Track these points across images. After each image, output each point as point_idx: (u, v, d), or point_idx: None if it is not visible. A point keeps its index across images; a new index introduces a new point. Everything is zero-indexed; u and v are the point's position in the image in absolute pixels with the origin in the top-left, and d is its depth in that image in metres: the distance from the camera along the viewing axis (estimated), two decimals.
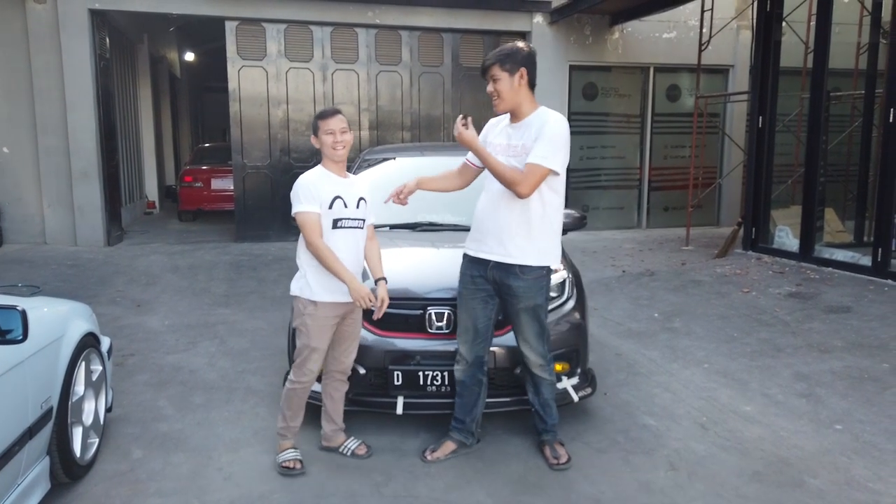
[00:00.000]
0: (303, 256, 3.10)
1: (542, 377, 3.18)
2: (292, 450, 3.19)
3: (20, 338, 2.29)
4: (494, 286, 3.12)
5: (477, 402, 3.28)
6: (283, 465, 3.13)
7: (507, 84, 2.96)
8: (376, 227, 4.33)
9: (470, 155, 3.21)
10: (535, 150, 2.90)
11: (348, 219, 3.07)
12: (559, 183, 3.01)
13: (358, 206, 3.13)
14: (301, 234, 3.08)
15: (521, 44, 3.07)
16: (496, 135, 3.13)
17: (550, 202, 3.02)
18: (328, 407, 3.31)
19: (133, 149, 12.05)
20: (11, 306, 2.31)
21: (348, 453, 3.28)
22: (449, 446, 3.28)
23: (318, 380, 3.29)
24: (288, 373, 3.64)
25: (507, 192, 2.97)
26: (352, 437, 3.34)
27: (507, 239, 3.01)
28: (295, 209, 3.02)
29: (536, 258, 3.04)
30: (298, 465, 3.13)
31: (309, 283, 3.05)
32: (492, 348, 3.34)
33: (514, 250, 3.01)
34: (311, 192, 3.01)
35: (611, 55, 10.52)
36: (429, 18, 9.72)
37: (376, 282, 3.20)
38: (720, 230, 10.35)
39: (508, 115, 3.09)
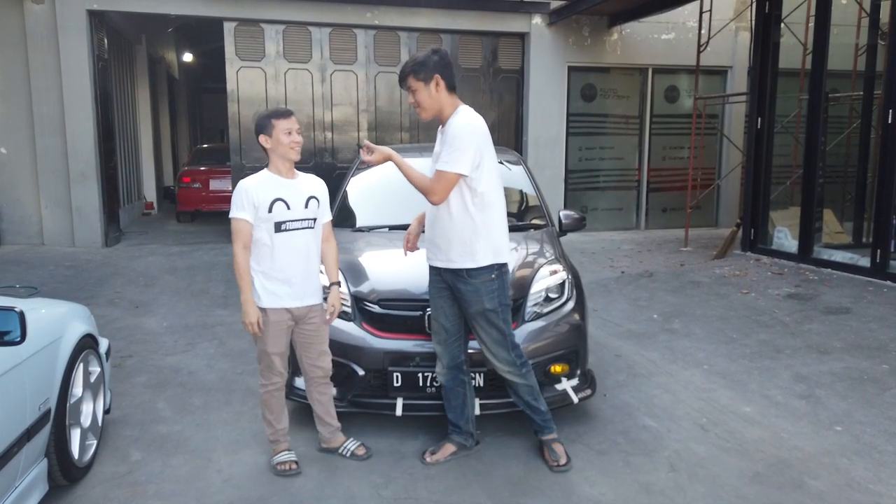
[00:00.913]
0: (252, 262, 3.04)
1: (515, 381, 3.13)
2: (286, 451, 3.18)
3: (18, 339, 2.28)
4: (451, 290, 3.12)
5: (465, 404, 3.26)
6: (279, 466, 3.13)
7: (425, 93, 2.96)
8: (375, 228, 4.35)
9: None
10: (442, 156, 2.93)
11: (293, 220, 3.02)
12: (478, 182, 2.95)
13: (307, 206, 3.07)
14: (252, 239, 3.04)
15: (434, 50, 3.03)
16: (437, 143, 3.13)
17: (474, 203, 2.97)
18: (318, 411, 3.30)
19: (131, 150, 12.03)
20: (9, 308, 2.30)
21: (347, 454, 3.27)
22: (448, 448, 3.27)
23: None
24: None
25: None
26: (350, 438, 3.33)
27: (445, 245, 3.03)
28: (230, 214, 3.00)
29: (474, 260, 2.99)
30: (294, 466, 3.12)
31: (256, 290, 3.02)
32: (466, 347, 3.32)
33: (453, 256, 3.02)
34: (246, 199, 2.96)
35: (609, 56, 10.52)
36: (427, 20, 9.71)
37: (329, 286, 3.17)
38: (718, 231, 10.36)
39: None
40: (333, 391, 3.33)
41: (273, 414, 3.16)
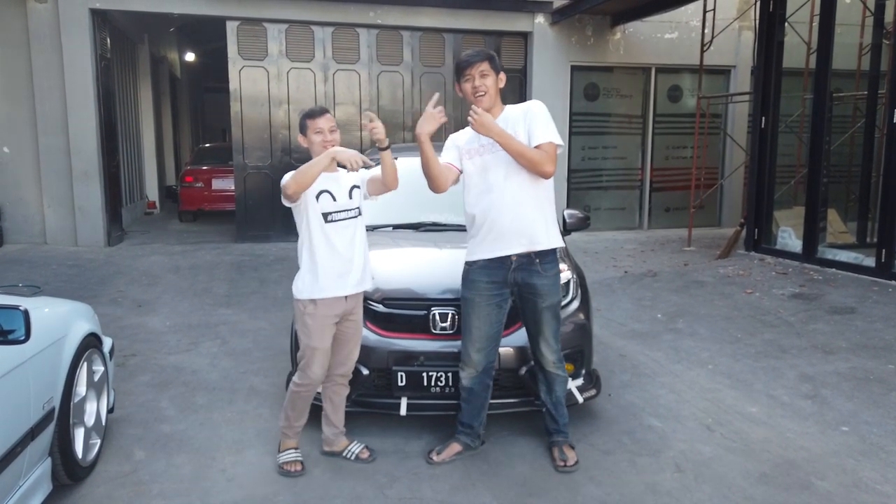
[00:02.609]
0: (303, 254, 3.06)
1: (557, 374, 3.18)
2: (293, 450, 3.17)
3: (23, 338, 2.27)
4: (514, 288, 3.10)
5: (484, 406, 3.26)
6: (283, 465, 3.11)
7: (494, 81, 3.05)
8: (380, 227, 4.34)
9: (450, 159, 3.15)
10: (538, 130, 2.97)
11: (339, 211, 3.04)
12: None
13: (351, 196, 3.10)
14: (300, 235, 3.07)
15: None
16: (468, 142, 3.14)
17: (551, 184, 3.12)
18: (328, 411, 3.28)
19: (133, 149, 12.03)
20: (14, 306, 2.29)
21: (352, 457, 3.24)
22: (454, 448, 3.26)
23: None
24: (291, 374, 3.63)
25: (518, 183, 3.00)
26: (355, 441, 3.31)
27: (532, 227, 3.03)
28: (284, 181, 2.98)
29: (557, 240, 3.11)
30: (298, 468, 3.10)
31: (306, 282, 3.03)
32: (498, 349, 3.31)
33: (540, 237, 3.04)
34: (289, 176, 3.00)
35: (612, 56, 10.50)
36: (430, 19, 9.70)
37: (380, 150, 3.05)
38: (722, 231, 10.33)
39: (468, 130, 3.10)
40: (346, 393, 3.30)
41: (295, 412, 3.15)
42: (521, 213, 3.03)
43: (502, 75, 3.10)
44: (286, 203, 3.05)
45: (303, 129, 3.09)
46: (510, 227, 3.03)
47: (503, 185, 3.03)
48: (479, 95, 3.02)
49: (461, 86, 3.08)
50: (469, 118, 2.95)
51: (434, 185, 3.11)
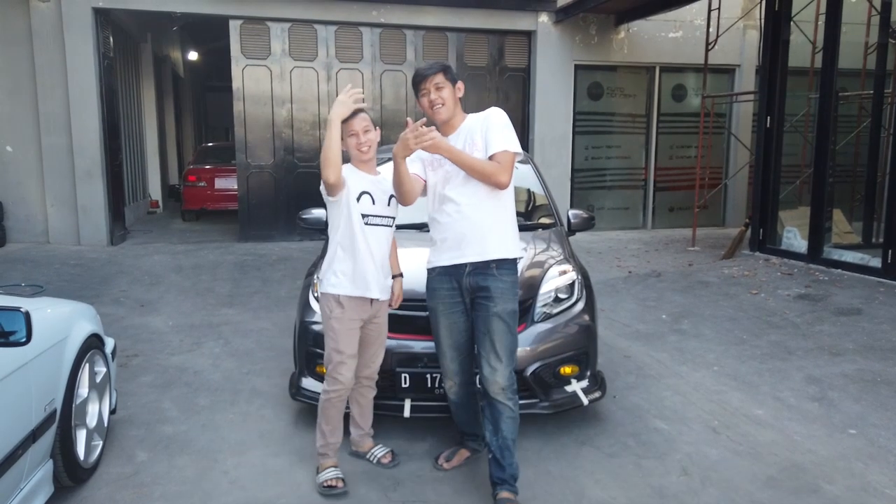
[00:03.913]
0: (337, 252, 2.97)
1: (505, 405, 2.83)
2: (333, 468, 3.01)
3: (24, 339, 2.25)
4: (470, 294, 2.93)
5: (476, 412, 3.16)
6: (325, 484, 2.95)
7: (451, 93, 2.95)
8: None
9: (414, 169, 2.98)
10: (494, 139, 2.88)
11: (376, 216, 2.99)
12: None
13: (389, 204, 3.05)
14: (334, 232, 3.00)
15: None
16: (426, 152, 2.92)
17: (509, 195, 2.98)
18: (355, 414, 3.22)
19: (136, 148, 12.02)
20: (15, 308, 2.27)
21: (374, 460, 3.21)
22: (463, 454, 3.22)
23: (321, 379, 3.23)
24: (294, 374, 3.61)
25: (476, 192, 2.88)
26: (379, 445, 3.27)
27: (487, 236, 2.90)
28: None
29: (514, 250, 2.95)
30: (341, 484, 2.96)
31: (339, 279, 2.96)
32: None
33: (493, 246, 2.89)
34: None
35: (616, 55, 10.46)
36: (434, 18, 9.67)
37: (394, 277, 3.17)
38: (726, 231, 10.30)
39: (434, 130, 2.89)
40: (373, 395, 3.26)
41: (330, 425, 3.02)
42: (476, 223, 2.90)
43: (460, 84, 3.00)
44: (327, 197, 2.96)
45: (341, 132, 2.93)
46: (466, 236, 2.91)
47: (460, 196, 2.91)
48: (436, 108, 2.93)
49: (419, 101, 2.98)
50: (406, 134, 2.77)
51: (404, 199, 2.99)
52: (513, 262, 2.95)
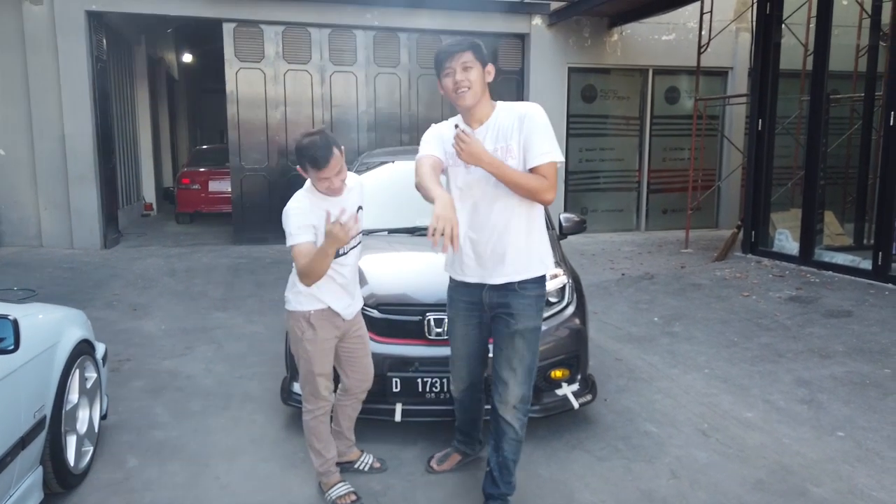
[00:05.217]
0: (302, 286, 2.80)
1: (511, 425, 2.70)
2: (342, 483, 2.94)
3: (11, 347, 2.25)
4: (491, 310, 2.74)
5: (478, 417, 3.18)
6: (339, 501, 2.88)
7: (479, 74, 2.58)
8: (374, 231, 4.33)
9: (436, 150, 2.69)
10: (537, 147, 2.54)
11: (348, 246, 2.80)
12: None
13: (357, 221, 2.76)
14: None
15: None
16: (449, 144, 2.61)
17: (536, 205, 2.69)
18: (343, 427, 3.15)
19: (130, 151, 12.00)
20: (3, 315, 2.27)
21: (366, 468, 3.19)
22: (455, 458, 3.22)
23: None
24: (286, 379, 3.61)
25: (506, 205, 2.61)
26: (365, 453, 3.25)
27: (516, 257, 2.64)
28: (289, 242, 2.67)
29: (539, 268, 2.70)
30: (353, 498, 2.88)
31: (301, 298, 2.81)
32: (490, 355, 3.27)
33: (522, 267, 2.66)
34: (304, 221, 2.67)
35: (609, 57, 10.49)
36: (427, 21, 9.68)
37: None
38: (719, 233, 10.33)
39: (453, 124, 2.71)
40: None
41: (321, 442, 2.94)
42: (506, 241, 2.64)
43: (490, 67, 2.62)
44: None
45: (304, 168, 2.69)
46: (492, 254, 2.66)
47: (489, 207, 2.63)
48: (461, 91, 2.55)
49: (441, 82, 2.62)
50: (453, 145, 2.49)
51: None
52: (541, 278, 2.72)
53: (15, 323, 2.24)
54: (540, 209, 2.73)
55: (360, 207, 2.91)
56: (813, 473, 3.16)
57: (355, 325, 3.00)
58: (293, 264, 2.79)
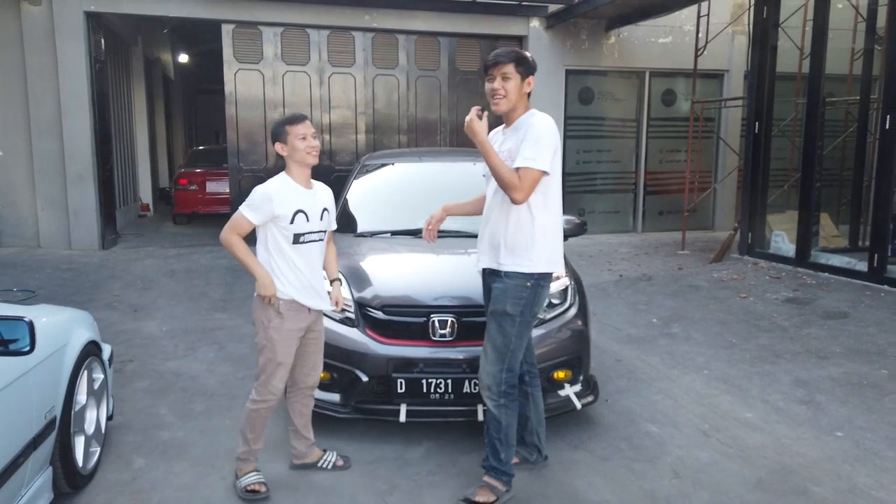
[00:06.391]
0: (263, 255, 2.95)
1: (487, 405, 2.93)
2: (254, 472, 3.05)
3: (28, 349, 2.28)
4: (486, 294, 3.02)
5: (527, 416, 3.15)
6: (248, 489, 2.98)
7: (517, 85, 2.85)
8: (378, 233, 4.36)
9: (485, 169, 3.01)
10: (522, 151, 2.78)
11: (310, 233, 2.97)
12: (547, 185, 2.85)
13: (322, 218, 3.03)
14: (260, 249, 2.97)
15: (529, 55, 2.97)
16: (492, 141, 2.96)
17: (541, 205, 2.86)
18: (299, 426, 3.19)
19: (127, 151, 11.98)
20: (19, 317, 2.29)
21: (329, 466, 3.21)
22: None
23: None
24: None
25: (499, 197, 2.88)
26: (327, 451, 3.27)
27: (499, 246, 2.90)
28: (240, 208, 2.91)
29: (527, 265, 2.86)
30: (263, 489, 2.99)
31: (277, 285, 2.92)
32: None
33: (503, 258, 2.89)
34: (265, 206, 2.88)
35: (607, 60, 10.54)
36: (426, 22, 9.71)
37: (332, 282, 3.18)
38: (715, 234, 10.40)
39: (481, 108, 2.95)
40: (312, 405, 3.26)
41: (255, 433, 3.03)
42: (496, 231, 2.91)
43: (531, 79, 2.88)
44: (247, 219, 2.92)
45: (281, 136, 2.95)
46: (487, 240, 2.97)
47: (492, 196, 2.96)
48: (496, 98, 2.86)
49: (485, 84, 2.92)
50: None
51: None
52: (526, 274, 2.86)
53: (31, 325, 2.27)
54: (543, 211, 2.87)
55: (325, 209, 3.07)
56: (813, 473, 3.21)
57: (317, 320, 3.10)
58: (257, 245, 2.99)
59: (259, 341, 2.99)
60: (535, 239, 2.87)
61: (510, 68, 2.83)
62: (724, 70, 11.00)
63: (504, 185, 2.79)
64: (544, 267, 2.90)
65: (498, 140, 2.98)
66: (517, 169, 2.78)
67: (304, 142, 2.93)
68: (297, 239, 2.94)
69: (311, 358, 3.12)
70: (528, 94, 2.94)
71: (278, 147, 2.98)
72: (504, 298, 2.88)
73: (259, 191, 2.93)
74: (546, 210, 2.88)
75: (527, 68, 2.87)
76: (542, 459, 3.23)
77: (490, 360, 2.90)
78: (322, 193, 3.11)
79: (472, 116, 2.82)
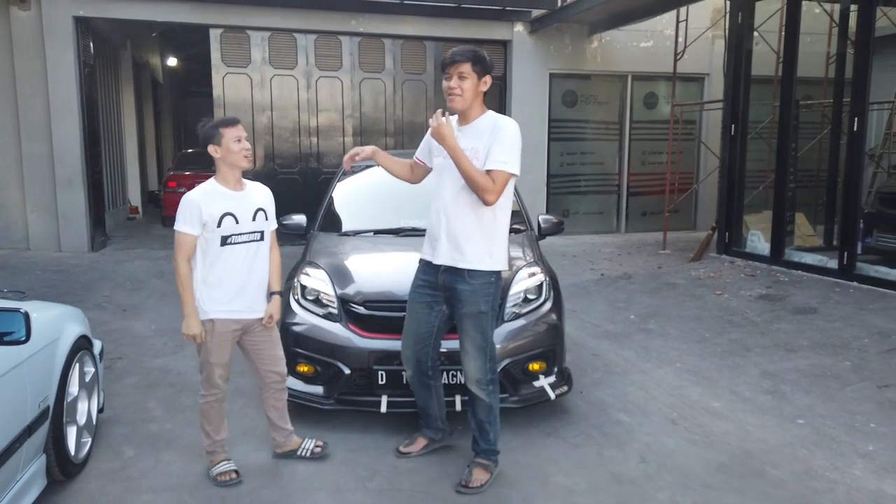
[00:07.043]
0: (196, 272, 3.02)
1: (478, 396, 3.09)
2: (225, 462, 3.17)
3: (24, 338, 2.41)
4: (444, 292, 3.09)
5: (430, 402, 3.35)
6: (219, 477, 3.11)
7: (473, 84, 2.92)
8: (361, 232, 4.51)
9: (419, 153, 3.24)
10: (495, 154, 2.87)
11: (241, 234, 3.01)
12: (509, 187, 2.99)
13: (255, 219, 3.06)
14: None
15: (486, 54, 3.02)
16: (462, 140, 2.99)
17: (503, 206, 3.00)
18: (274, 418, 3.30)
19: (116, 154, 12.06)
20: (15, 309, 2.43)
21: (307, 454, 3.33)
22: (420, 442, 3.41)
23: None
24: None
25: (462, 196, 2.96)
26: (306, 438, 3.38)
27: (463, 243, 2.98)
28: (175, 226, 2.98)
29: (489, 263, 3.01)
30: (234, 476, 3.12)
31: (200, 302, 3.01)
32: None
33: (468, 255, 2.98)
34: (194, 213, 2.93)
35: (590, 63, 10.74)
36: (412, 27, 9.88)
37: (270, 295, 3.17)
38: (696, 234, 10.60)
39: (455, 118, 3.06)
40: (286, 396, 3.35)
41: (212, 425, 3.15)
42: (459, 228, 2.98)
43: (487, 78, 2.95)
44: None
45: (214, 139, 2.96)
46: (446, 237, 3.02)
47: (452, 195, 3.00)
48: (452, 95, 2.92)
49: (443, 82, 2.98)
50: (430, 121, 2.93)
51: (404, 180, 3.38)
52: (488, 272, 3.01)
53: (26, 315, 2.40)
54: (503, 211, 3.03)
55: (259, 209, 3.11)
56: (772, 457, 3.38)
57: (254, 326, 3.13)
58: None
59: (197, 343, 3.09)
60: (497, 238, 3.04)
61: (467, 67, 2.90)
62: (705, 73, 11.23)
63: (476, 188, 2.87)
64: (502, 265, 3.09)
65: (462, 139, 3.00)
66: (489, 171, 2.88)
67: (239, 144, 2.97)
68: (224, 241, 2.98)
69: (266, 354, 3.19)
70: (485, 94, 3.03)
71: (211, 149, 2.99)
72: (476, 299, 3.01)
73: (185, 201, 2.97)
74: (505, 211, 3.05)
75: (483, 67, 2.93)
76: (448, 435, 3.46)
77: (473, 357, 3.07)
78: (257, 194, 3.14)
79: (441, 121, 2.88)
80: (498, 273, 3.08)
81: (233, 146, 2.96)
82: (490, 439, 3.15)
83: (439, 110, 2.94)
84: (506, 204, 3.04)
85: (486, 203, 2.91)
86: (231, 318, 3.05)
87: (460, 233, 2.99)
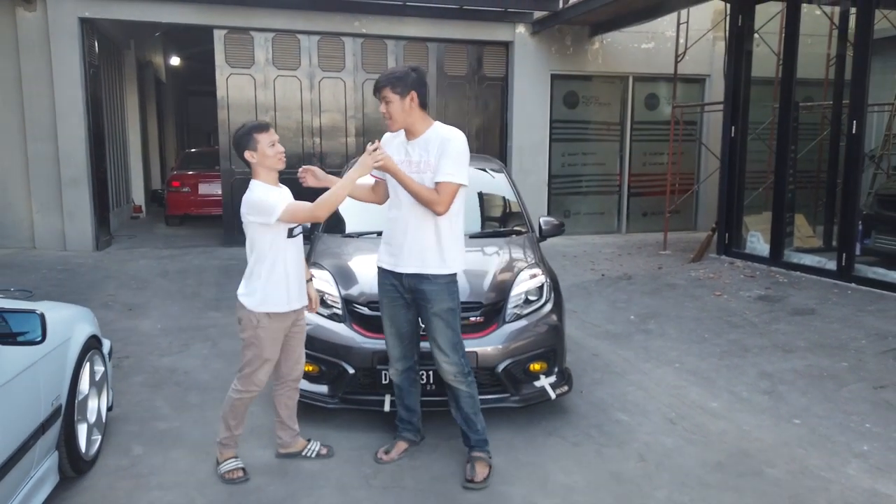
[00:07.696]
0: (262, 269, 3.09)
1: (459, 388, 3.20)
2: (234, 459, 3.25)
3: (39, 339, 2.48)
4: (409, 294, 3.20)
5: (417, 400, 3.46)
6: (227, 474, 3.18)
7: (398, 106, 3.03)
8: (365, 234, 4.57)
9: (375, 171, 3.19)
10: (443, 167, 3.02)
11: (297, 226, 3.17)
12: (459, 196, 3.12)
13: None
14: (259, 250, 3.08)
15: (412, 67, 3.13)
16: (394, 151, 3.15)
17: (455, 213, 3.14)
18: (284, 417, 3.38)
19: (120, 153, 12.14)
20: (31, 310, 2.50)
21: (313, 455, 3.40)
22: (401, 446, 3.46)
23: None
24: None
25: (419, 208, 3.08)
26: (311, 440, 3.46)
27: (425, 251, 3.11)
28: (277, 214, 2.99)
29: (448, 267, 3.15)
30: (241, 474, 3.19)
31: (266, 296, 3.09)
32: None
33: (429, 262, 3.12)
34: (274, 195, 3.06)
35: (591, 65, 10.80)
36: (414, 28, 9.93)
37: (308, 281, 3.34)
38: (697, 235, 10.65)
39: (400, 133, 3.18)
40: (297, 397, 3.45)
41: (235, 420, 3.23)
42: (418, 238, 3.12)
43: (413, 94, 3.03)
44: (271, 222, 3.02)
45: (250, 145, 3.05)
46: (407, 247, 3.14)
47: (409, 207, 3.11)
48: (386, 120, 3.09)
49: None
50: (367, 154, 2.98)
51: (372, 202, 3.41)
52: (448, 274, 3.15)
53: (42, 317, 2.47)
54: (457, 217, 3.17)
55: None
56: (769, 456, 3.45)
57: (300, 316, 3.28)
58: (251, 275, 3.14)
59: (247, 338, 3.16)
60: (453, 243, 3.18)
61: (387, 92, 3.02)
62: (706, 75, 11.28)
63: (426, 202, 3.04)
64: (459, 266, 3.23)
65: (403, 150, 3.15)
66: (438, 183, 3.04)
67: (274, 148, 3.08)
68: (290, 233, 3.13)
69: (295, 351, 3.31)
70: (425, 106, 3.11)
71: (247, 155, 3.08)
72: (443, 297, 3.15)
73: (262, 197, 3.04)
74: (458, 217, 3.19)
75: (404, 86, 3.01)
76: (421, 439, 3.55)
77: (448, 353, 3.17)
78: (287, 193, 3.24)
79: (379, 157, 2.96)
80: (454, 275, 3.21)
81: (268, 151, 3.07)
82: (479, 429, 3.25)
83: (370, 145, 3.02)
84: (458, 210, 3.17)
85: (437, 214, 3.07)
86: (289, 311, 3.16)
87: (423, 242, 3.12)
